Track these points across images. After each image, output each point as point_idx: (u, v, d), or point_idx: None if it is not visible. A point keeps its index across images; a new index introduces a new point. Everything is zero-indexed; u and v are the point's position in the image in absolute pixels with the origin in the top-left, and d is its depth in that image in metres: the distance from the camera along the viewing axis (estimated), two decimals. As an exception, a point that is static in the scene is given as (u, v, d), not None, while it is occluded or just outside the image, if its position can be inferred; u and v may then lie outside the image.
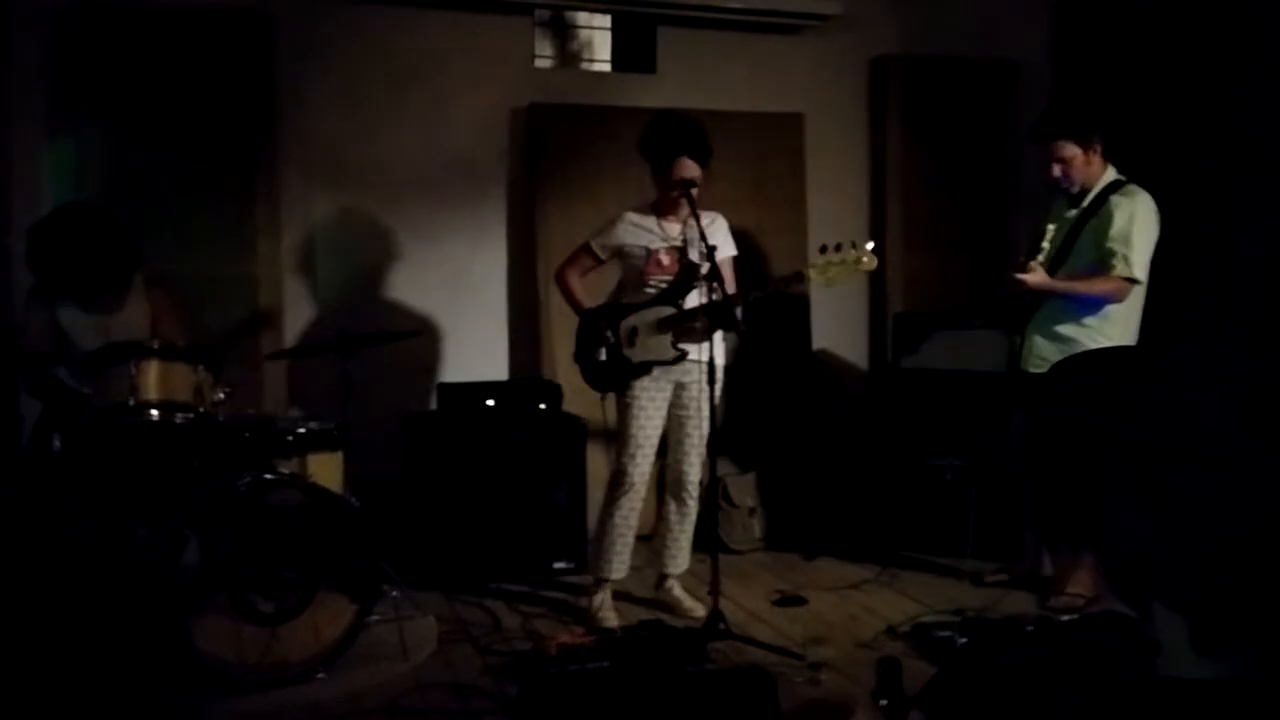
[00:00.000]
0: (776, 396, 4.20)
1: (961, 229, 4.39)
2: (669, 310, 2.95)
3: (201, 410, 2.68)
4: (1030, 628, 2.79)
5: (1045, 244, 2.98)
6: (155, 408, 2.62)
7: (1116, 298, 2.94)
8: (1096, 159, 3.03)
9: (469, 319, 4.02)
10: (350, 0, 3.79)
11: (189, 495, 2.58)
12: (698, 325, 2.92)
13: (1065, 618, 2.95)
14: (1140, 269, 2.92)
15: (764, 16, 4.17)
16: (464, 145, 3.97)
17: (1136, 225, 2.92)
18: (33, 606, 2.72)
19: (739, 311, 2.86)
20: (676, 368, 2.98)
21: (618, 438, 3.06)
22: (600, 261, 3.09)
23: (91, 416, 2.64)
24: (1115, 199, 2.98)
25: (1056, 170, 3.02)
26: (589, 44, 4.26)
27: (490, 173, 4.02)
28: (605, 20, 4.22)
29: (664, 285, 2.98)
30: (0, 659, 2.59)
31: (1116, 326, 2.99)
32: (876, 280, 4.49)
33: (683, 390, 3.04)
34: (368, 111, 3.85)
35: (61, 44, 3.47)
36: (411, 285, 3.93)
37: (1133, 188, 3.01)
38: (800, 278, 2.84)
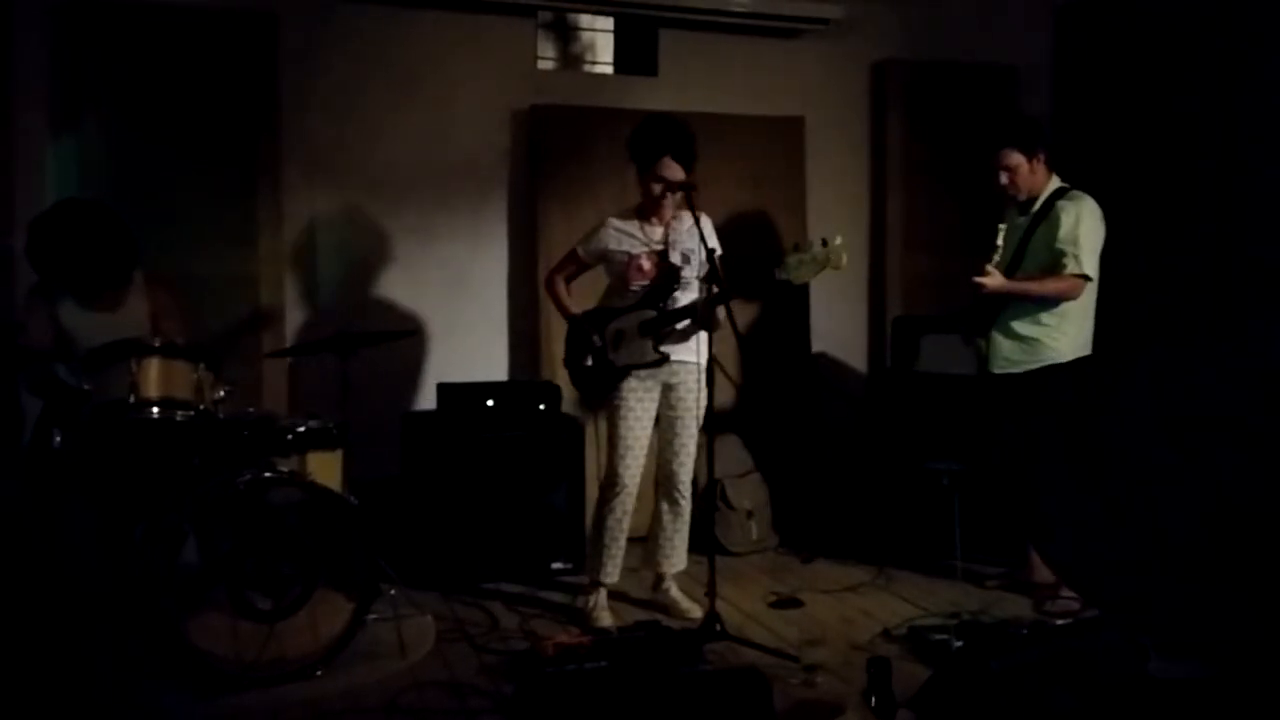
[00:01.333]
0: (776, 399, 4.21)
1: (961, 232, 4.40)
2: (650, 314, 2.97)
3: (201, 408, 2.69)
4: (1025, 631, 2.81)
5: (999, 241, 3.13)
6: (155, 405, 2.63)
7: (1071, 295, 3.08)
8: (1041, 168, 3.17)
9: (469, 319, 4.03)
10: (353, 1, 3.81)
11: (188, 492, 2.58)
12: (679, 327, 2.93)
13: (1060, 622, 2.96)
14: (1090, 266, 3.06)
15: (765, 20, 4.19)
16: (466, 146, 3.99)
17: (1083, 226, 3.05)
18: (31, 602, 2.73)
19: (725, 310, 2.84)
20: (664, 369, 3.00)
21: (608, 441, 3.07)
22: (587, 267, 3.12)
23: (92, 413, 2.65)
24: (1061, 204, 3.11)
25: (1004, 178, 3.17)
26: (591, 46, 4.28)
27: (491, 174, 4.04)
28: (607, 23, 4.24)
29: (645, 289, 2.99)
30: (-1, 654, 2.60)
31: (1073, 324, 3.11)
32: (876, 284, 4.51)
33: (671, 391, 3.05)
34: (369, 112, 3.87)
35: (64, 43, 3.48)
36: (412, 285, 3.94)
37: (1077, 193, 3.14)
38: (771, 276, 2.83)
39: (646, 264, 2.99)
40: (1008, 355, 3.16)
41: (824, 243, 2.74)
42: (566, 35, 4.22)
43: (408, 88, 3.90)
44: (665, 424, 3.09)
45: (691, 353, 2.99)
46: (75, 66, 3.49)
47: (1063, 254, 3.05)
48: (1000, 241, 3.12)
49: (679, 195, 2.94)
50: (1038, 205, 3.16)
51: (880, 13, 4.40)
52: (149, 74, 3.54)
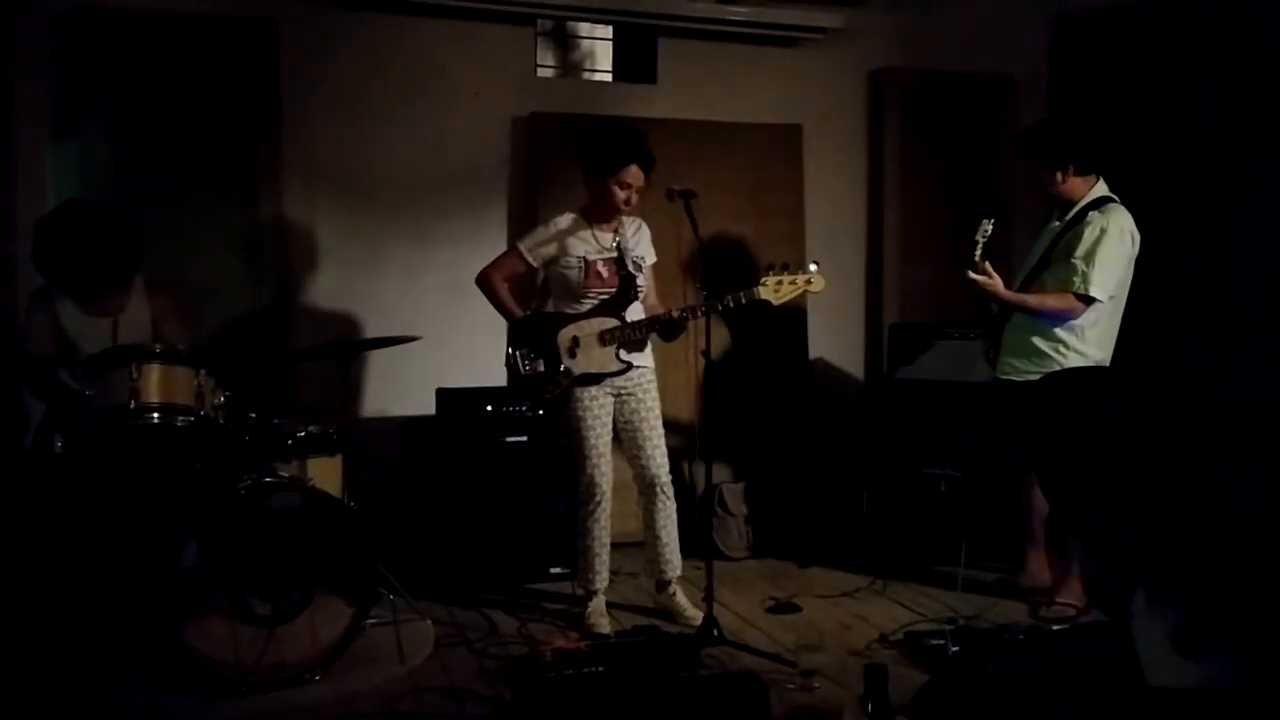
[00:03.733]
0: (773, 405, 4.23)
1: (958, 240, 4.41)
2: (612, 322, 2.96)
3: (202, 413, 2.70)
4: (1021, 637, 2.82)
5: (978, 237, 3.01)
6: (156, 410, 2.64)
7: (1068, 315, 2.98)
8: (1073, 179, 3.06)
9: (468, 325, 4.03)
10: (353, 9, 3.83)
11: (189, 497, 2.60)
12: (639, 336, 2.95)
13: (1056, 627, 2.97)
14: (1099, 287, 2.95)
15: (763, 29, 4.22)
16: (465, 153, 4.01)
17: (1104, 244, 2.95)
18: (32, 606, 2.73)
19: (725, 318, 2.90)
20: (615, 377, 3.00)
21: (574, 453, 3.04)
22: (530, 268, 3.03)
23: (93, 418, 2.66)
24: (1092, 215, 3.02)
25: (1051, 185, 3.10)
26: (590, 54, 4.30)
27: (491, 181, 4.06)
28: (607, 31, 4.26)
29: (604, 297, 2.98)
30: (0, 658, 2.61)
31: (1090, 343, 3.02)
32: (873, 291, 4.53)
33: (630, 396, 3.04)
34: (370, 119, 3.89)
35: (66, 52, 3.49)
36: (412, 291, 3.96)
37: (1112, 206, 3.03)
38: (750, 295, 2.86)
39: (605, 271, 2.97)
40: (1013, 363, 3.10)
41: (800, 268, 2.81)
42: (566, 43, 4.25)
43: (407, 95, 3.92)
44: (630, 430, 3.06)
45: (645, 358, 3.04)
46: (76, 74, 3.51)
47: (1074, 269, 2.95)
48: (980, 237, 3.00)
49: (636, 200, 2.94)
50: (1071, 214, 3.06)
51: (878, 22, 4.43)
52: (150, 81, 3.55)
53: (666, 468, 3.10)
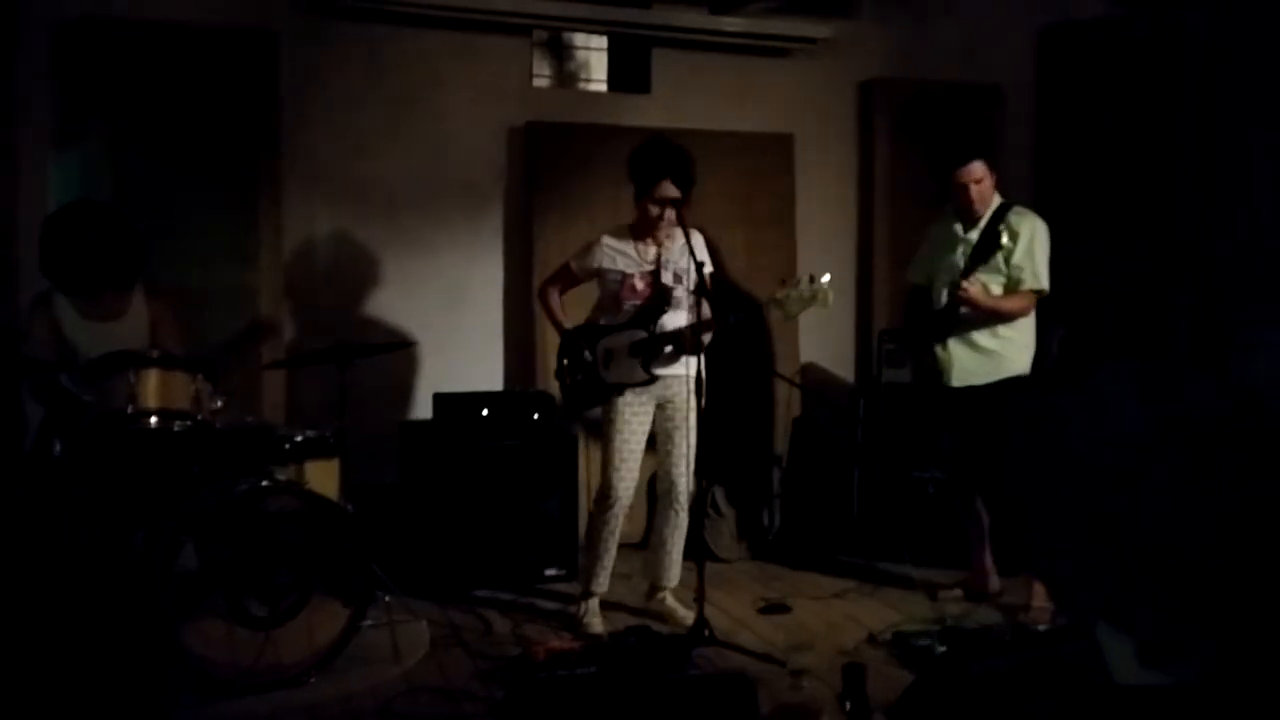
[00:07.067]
0: (765, 407, 4.27)
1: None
2: (641, 334, 3.03)
3: (199, 418, 2.73)
4: (1008, 637, 2.86)
5: (1000, 257, 3.15)
6: (154, 415, 2.68)
7: (1027, 311, 3.20)
8: (993, 182, 3.23)
9: (465, 331, 4.09)
10: (352, 20, 3.88)
11: (186, 500, 2.63)
12: (666, 350, 3.00)
13: (1042, 627, 3.02)
14: (1045, 280, 3.17)
15: (755, 39, 4.27)
16: (462, 162, 4.05)
17: (1038, 242, 3.15)
18: (32, 608, 2.77)
19: (708, 336, 2.95)
20: (658, 384, 3.06)
21: (602, 455, 3.12)
22: (579, 281, 3.18)
23: (91, 423, 2.70)
24: (1013, 218, 3.17)
25: (973, 192, 3.18)
26: (585, 64, 4.36)
27: (488, 189, 4.10)
28: (602, 42, 4.32)
29: (637, 309, 3.05)
30: None
31: (1025, 333, 3.23)
32: (863, 296, 4.58)
33: (669, 404, 3.11)
34: (368, 129, 3.93)
35: (68, 61, 3.54)
36: (409, 298, 4.00)
37: (1021, 208, 3.23)
38: (768, 305, 2.95)
39: (640, 284, 3.04)
40: (968, 367, 3.21)
41: (811, 279, 2.84)
42: (561, 54, 4.30)
43: (406, 105, 3.97)
44: (663, 436, 3.14)
45: (684, 367, 3.06)
46: (78, 84, 3.55)
47: (1021, 269, 3.14)
48: (1000, 256, 3.12)
49: (674, 215, 3.00)
50: (986, 220, 3.19)
51: (868, 33, 4.49)
52: (151, 91, 3.59)
53: (686, 481, 3.11)
